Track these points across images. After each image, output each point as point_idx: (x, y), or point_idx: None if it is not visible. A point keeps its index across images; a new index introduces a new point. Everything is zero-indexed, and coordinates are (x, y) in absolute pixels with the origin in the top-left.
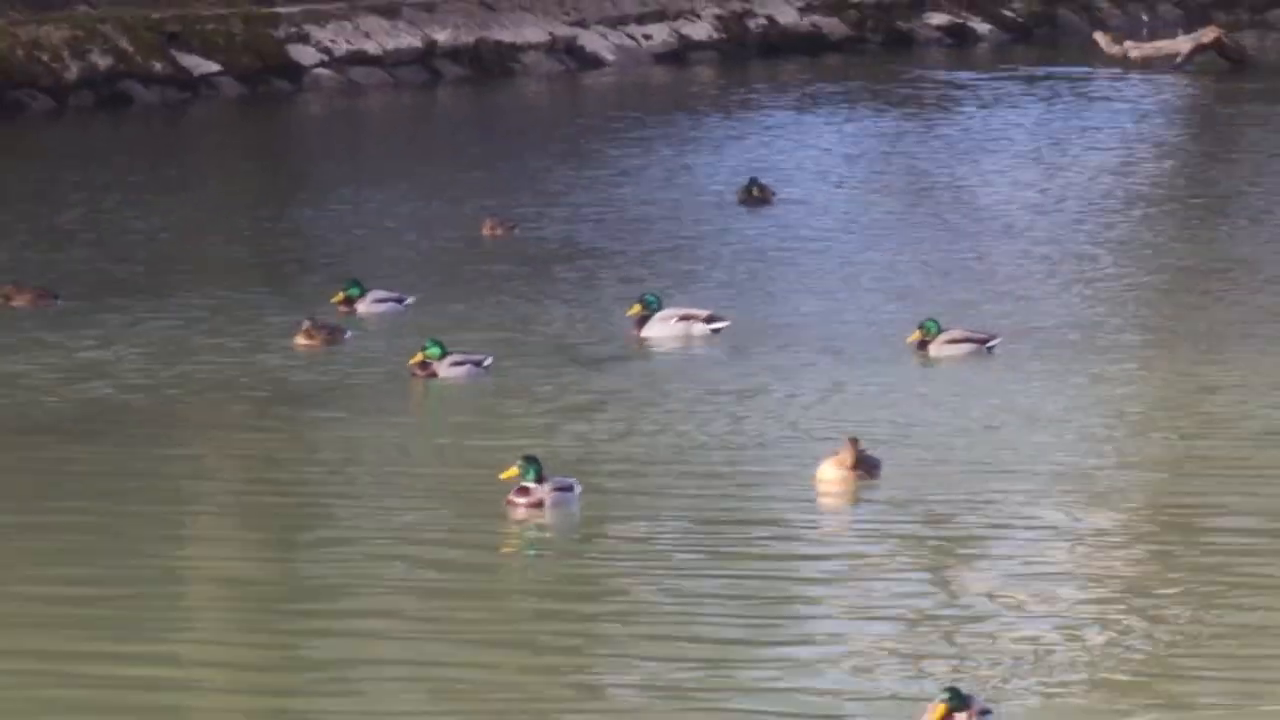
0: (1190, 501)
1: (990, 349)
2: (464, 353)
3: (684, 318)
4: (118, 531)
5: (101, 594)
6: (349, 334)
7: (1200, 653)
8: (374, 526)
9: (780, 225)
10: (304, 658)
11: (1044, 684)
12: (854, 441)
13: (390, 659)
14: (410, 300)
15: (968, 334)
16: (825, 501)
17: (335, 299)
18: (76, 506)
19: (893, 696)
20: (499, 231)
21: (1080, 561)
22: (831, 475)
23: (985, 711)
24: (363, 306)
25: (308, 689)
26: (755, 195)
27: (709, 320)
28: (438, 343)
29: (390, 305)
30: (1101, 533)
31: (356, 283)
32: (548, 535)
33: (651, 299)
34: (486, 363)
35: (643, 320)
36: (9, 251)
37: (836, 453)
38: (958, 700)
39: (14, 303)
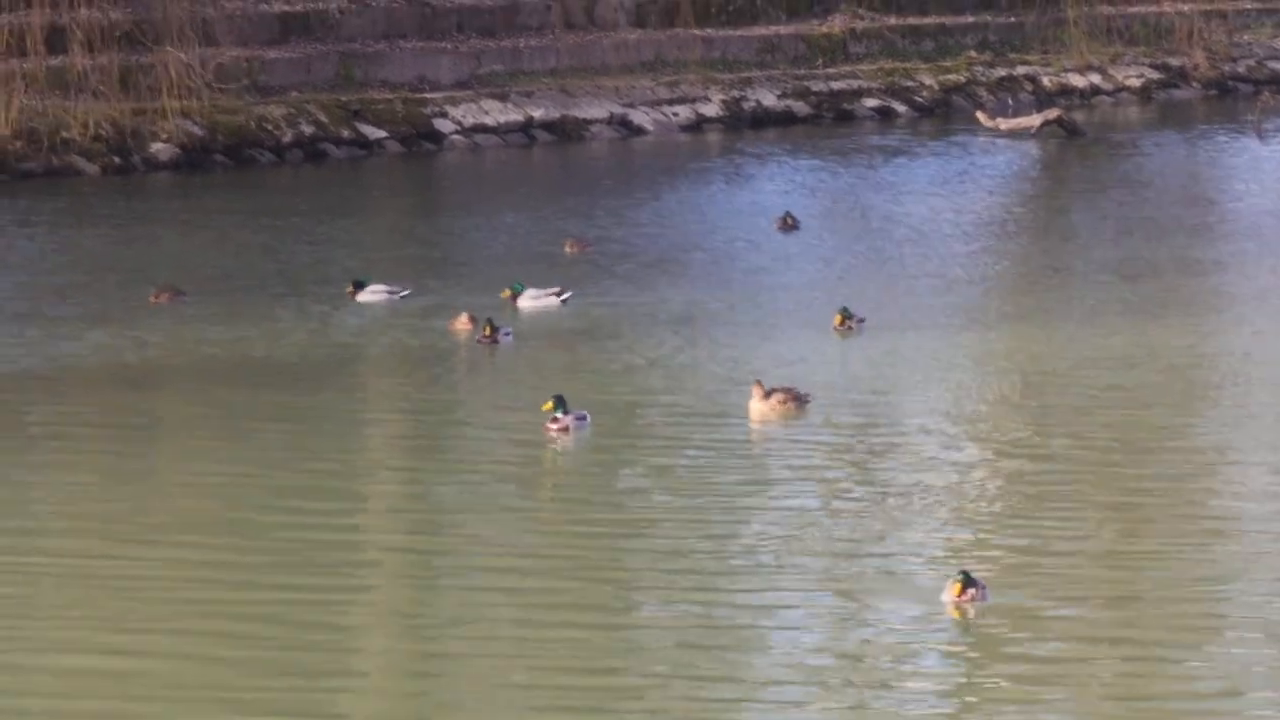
0: (1024, 430)
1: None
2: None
3: (545, 295)
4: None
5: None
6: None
7: (1009, 498)
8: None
9: (805, 244)
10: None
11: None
12: (759, 383)
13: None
14: (405, 293)
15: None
16: (753, 425)
17: (347, 290)
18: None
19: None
20: (576, 249)
21: (964, 470)
22: (756, 407)
23: (983, 587)
24: (362, 296)
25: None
26: (789, 223)
27: (559, 295)
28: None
29: (385, 295)
30: (980, 443)
31: (362, 280)
32: (569, 449)
33: (518, 285)
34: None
35: (514, 297)
36: (259, 249)
37: (761, 393)
38: (968, 580)
39: (158, 299)
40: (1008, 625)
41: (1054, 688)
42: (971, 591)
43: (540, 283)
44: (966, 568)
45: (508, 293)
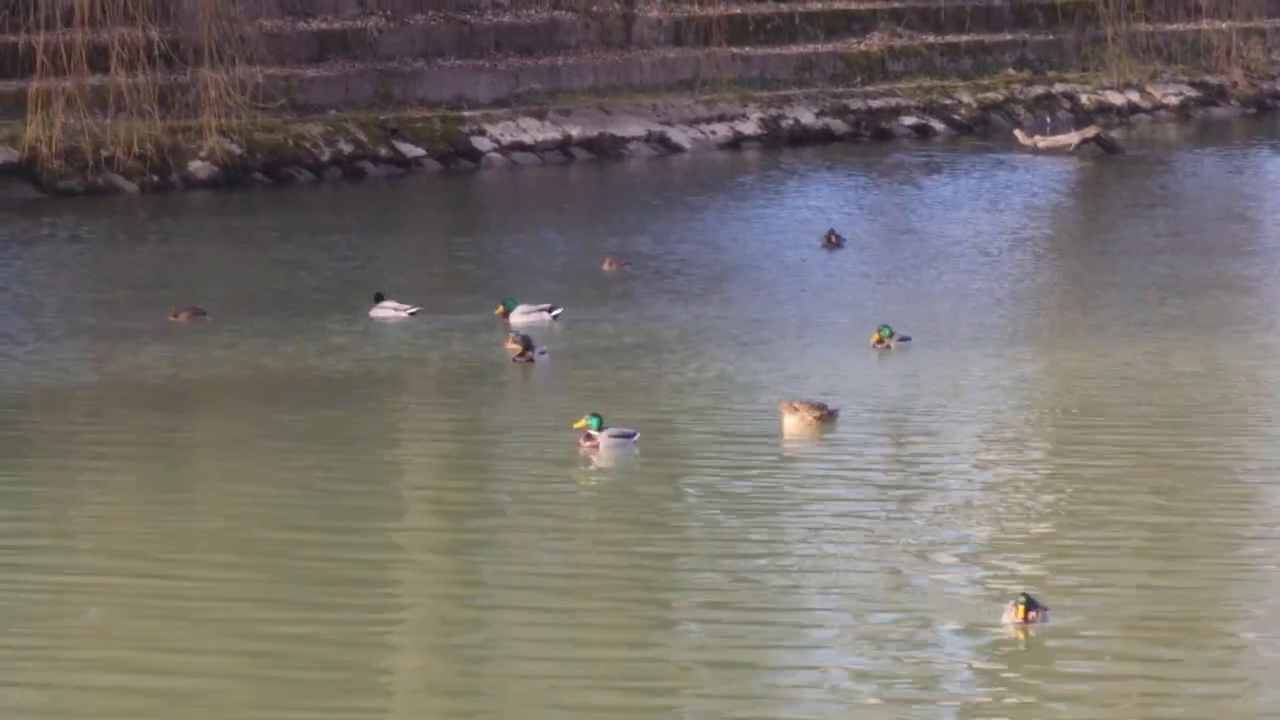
0: (1067, 448)
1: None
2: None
3: (536, 310)
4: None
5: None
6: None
7: (1051, 516)
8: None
9: (850, 262)
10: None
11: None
12: (785, 401)
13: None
14: (415, 310)
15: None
16: (787, 439)
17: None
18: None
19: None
20: (615, 267)
21: (997, 478)
22: (790, 423)
23: (1045, 609)
24: (374, 312)
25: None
26: (833, 241)
27: (550, 311)
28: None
29: (392, 313)
30: (1021, 463)
31: (381, 294)
32: (602, 467)
33: (510, 301)
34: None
35: (506, 314)
36: (295, 267)
37: (791, 409)
38: (1030, 602)
39: (177, 318)
40: (1067, 646)
41: (1118, 708)
42: (1034, 614)
43: (547, 299)
44: (1026, 590)
45: (500, 309)
